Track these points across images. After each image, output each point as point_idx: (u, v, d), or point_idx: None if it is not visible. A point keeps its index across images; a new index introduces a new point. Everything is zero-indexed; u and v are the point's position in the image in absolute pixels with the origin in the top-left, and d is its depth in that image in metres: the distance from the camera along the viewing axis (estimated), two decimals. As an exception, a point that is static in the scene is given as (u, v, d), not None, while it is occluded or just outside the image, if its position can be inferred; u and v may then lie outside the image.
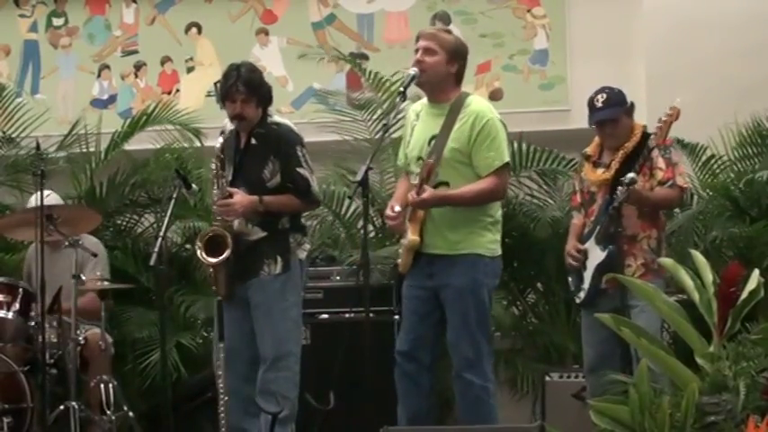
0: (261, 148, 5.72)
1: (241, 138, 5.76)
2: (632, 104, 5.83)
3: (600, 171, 5.79)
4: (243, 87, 5.65)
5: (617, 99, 5.77)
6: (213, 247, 5.62)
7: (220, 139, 5.74)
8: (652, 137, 5.52)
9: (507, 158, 5.43)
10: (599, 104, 5.75)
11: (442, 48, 5.37)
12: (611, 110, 5.73)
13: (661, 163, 5.72)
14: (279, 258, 5.68)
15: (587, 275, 5.73)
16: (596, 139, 5.90)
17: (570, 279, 5.91)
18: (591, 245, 5.74)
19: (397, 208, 5.37)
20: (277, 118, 5.85)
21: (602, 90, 5.81)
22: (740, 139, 7.43)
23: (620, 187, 5.48)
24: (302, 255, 5.79)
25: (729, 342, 3.82)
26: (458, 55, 5.41)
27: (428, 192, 5.26)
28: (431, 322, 5.40)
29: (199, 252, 5.65)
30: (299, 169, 5.69)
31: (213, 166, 5.70)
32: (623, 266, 5.54)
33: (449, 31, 5.53)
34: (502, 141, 5.38)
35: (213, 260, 5.61)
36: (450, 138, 5.33)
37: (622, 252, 5.57)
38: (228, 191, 5.63)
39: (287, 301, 5.70)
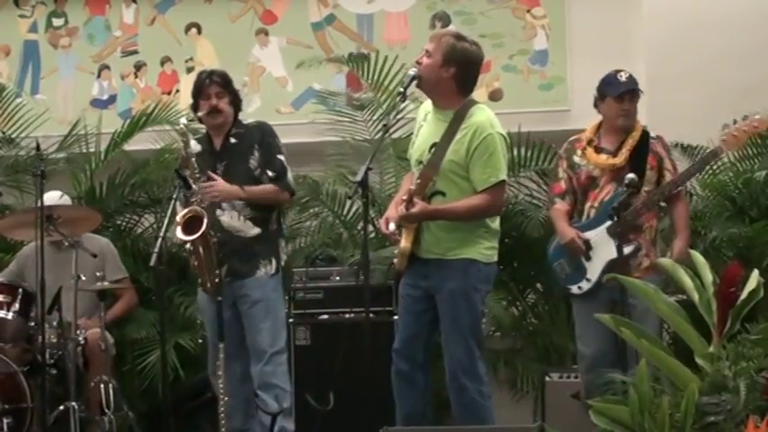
0: (242, 143, 5.88)
1: (214, 143, 5.82)
2: None
3: (604, 156, 5.76)
4: (218, 79, 5.84)
5: (637, 82, 5.80)
6: (191, 228, 5.65)
7: (185, 122, 5.82)
8: (723, 144, 5.65)
9: (504, 176, 5.35)
10: (623, 78, 5.76)
11: (438, 50, 5.31)
12: (636, 86, 5.77)
13: (669, 165, 5.81)
14: (273, 260, 5.83)
15: (593, 267, 5.67)
16: (590, 128, 5.89)
17: (560, 265, 5.82)
18: (600, 236, 5.65)
19: (392, 226, 5.36)
20: (250, 120, 6.05)
21: (619, 70, 5.83)
22: (740, 139, 7.42)
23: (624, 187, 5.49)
24: (283, 261, 5.98)
25: (729, 342, 3.82)
26: (453, 60, 5.29)
27: (418, 206, 5.23)
28: (424, 321, 5.41)
29: (177, 231, 5.68)
30: (279, 156, 5.87)
31: (182, 145, 5.75)
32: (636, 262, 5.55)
33: (456, 36, 5.38)
34: (500, 158, 5.31)
35: (188, 237, 5.64)
36: (450, 149, 5.28)
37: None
38: (210, 175, 5.72)
39: (280, 301, 5.89)
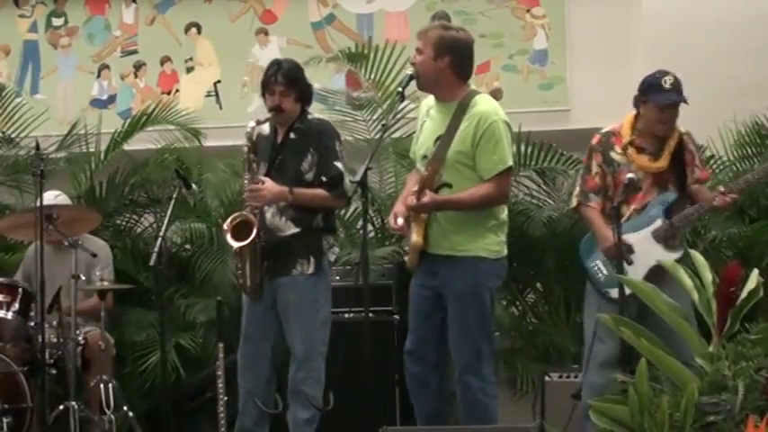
0: (300, 141, 5.73)
1: (278, 133, 5.76)
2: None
3: (646, 158, 5.59)
4: (282, 79, 5.67)
5: (681, 87, 5.58)
6: (240, 233, 5.60)
7: (253, 125, 5.68)
8: None
9: (510, 162, 5.36)
10: (667, 86, 5.52)
11: (427, 44, 5.33)
12: (681, 95, 5.54)
13: (698, 162, 5.68)
14: (312, 259, 5.68)
15: (636, 272, 5.43)
16: (626, 122, 5.65)
17: (596, 267, 5.61)
18: (644, 240, 5.49)
19: (400, 221, 5.35)
20: (317, 115, 5.89)
21: (665, 72, 5.57)
22: (739, 139, 7.43)
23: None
24: (332, 257, 5.83)
25: (729, 342, 3.82)
26: (444, 49, 5.30)
27: (428, 196, 5.22)
28: (435, 321, 5.41)
29: (226, 236, 5.63)
30: (336, 162, 5.71)
31: (245, 149, 5.68)
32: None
33: (443, 26, 5.44)
34: (506, 145, 5.32)
35: (237, 244, 5.60)
36: (455, 140, 5.29)
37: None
38: (259, 178, 5.63)
39: (318, 302, 5.70)
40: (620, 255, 5.36)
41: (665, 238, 5.51)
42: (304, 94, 5.76)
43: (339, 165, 5.71)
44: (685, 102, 5.55)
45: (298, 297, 5.64)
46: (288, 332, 5.68)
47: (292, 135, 5.74)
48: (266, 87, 5.72)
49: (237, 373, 5.79)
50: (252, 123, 5.70)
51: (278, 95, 5.67)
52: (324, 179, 5.66)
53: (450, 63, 5.32)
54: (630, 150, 5.61)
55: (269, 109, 5.69)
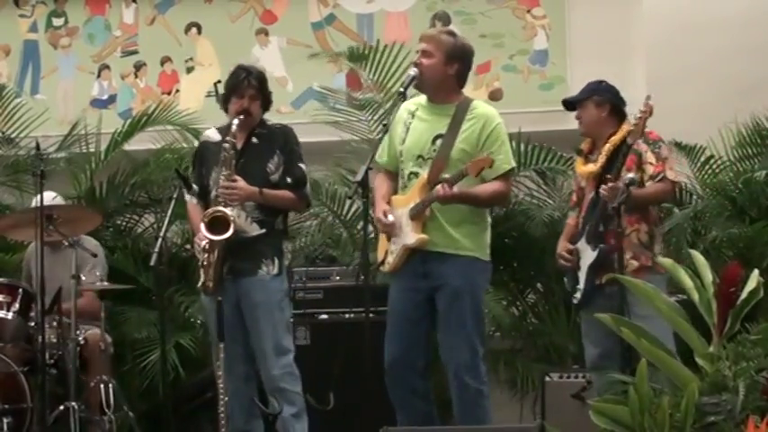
0: (264, 144, 5.80)
1: (238, 139, 5.78)
2: (613, 101, 5.76)
3: (590, 165, 5.75)
4: (255, 82, 5.75)
5: (591, 87, 5.81)
6: (215, 227, 5.62)
7: (233, 126, 5.69)
8: (629, 135, 5.51)
9: (514, 164, 5.51)
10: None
11: (439, 49, 5.38)
12: (578, 94, 5.82)
13: (651, 158, 5.66)
14: (276, 260, 5.74)
15: (581, 275, 5.68)
16: None
17: (566, 280, 5.86)
18: (582, 244, 5.69)
19: (391, 218, 5.36)
20: (275, 121, 5.96)
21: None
22: (740, 139, 7.44)
23: (617, 184, 5.41)
24: (286, 261, 5.90)
25: (729, 342, 3.82)
26: (456, 56, 5.40)
27: (454, 188, 5.22)
28: (423, 327, 5.42)
29: (202, 228, 5.63)
30: (300, 165, 5.82)
31: (227, 146, 5.68)
32: (621, 263, 5.47)
33: (451, 33, 5.50)
34: (508, 146, 5.45)
35: (214, 237, 5.61)
36: (459, 138, 5.34)
37: (616, 249, 5.49)
38: (234, 177, 5.67)
39: (284, 301, 5.79)
40: (572, 264, 5.70)
41: (593, 238, 5.63)
42: (268, 100, 5.87)
43: (303, 166, 5.82)
44: (571, 100, 5.83)
45: (265, 297, 5.69)
46: (255, 332, 5.71)
47: (254, 140, 5.81)
48: (236, 91, 5.76)
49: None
50: (236, 121, 5.67)
51: (247, 99, 5.73)
52: (289, 180, 5.76)
53: (458, 70, 5.42)
54: (578, 161, 5.89)
55: (237, 112, 5.72)
